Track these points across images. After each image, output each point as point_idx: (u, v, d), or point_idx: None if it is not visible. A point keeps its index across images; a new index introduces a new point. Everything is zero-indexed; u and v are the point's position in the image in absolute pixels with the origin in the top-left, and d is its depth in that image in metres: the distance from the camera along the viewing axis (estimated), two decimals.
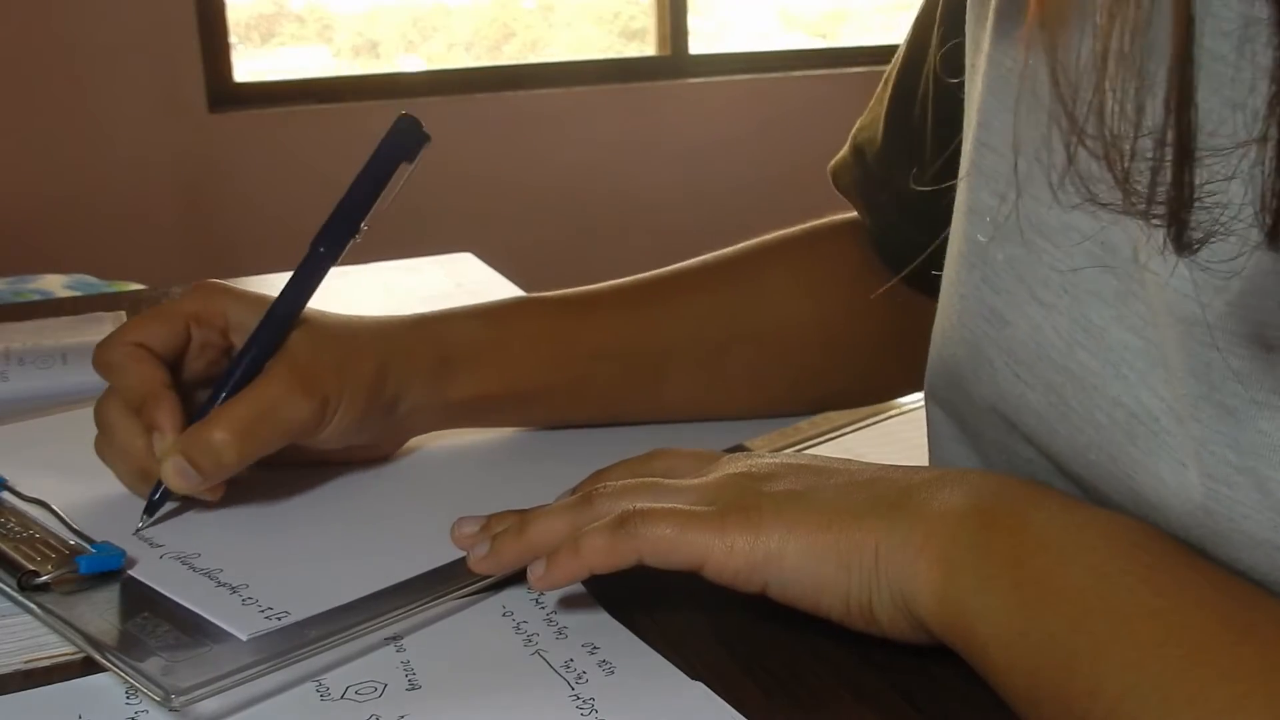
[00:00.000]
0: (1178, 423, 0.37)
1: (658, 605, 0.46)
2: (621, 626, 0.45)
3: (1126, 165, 0.32)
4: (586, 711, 0.40)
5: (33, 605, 0.45)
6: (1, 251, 2.45)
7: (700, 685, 0.41)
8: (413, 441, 0.62)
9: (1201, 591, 0.35)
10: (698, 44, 3.25)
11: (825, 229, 0.67)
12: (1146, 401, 0.38)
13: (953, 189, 0.50)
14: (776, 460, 0.46)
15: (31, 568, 0.47)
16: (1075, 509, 0.39)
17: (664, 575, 0.43)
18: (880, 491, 0.42)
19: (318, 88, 2.98)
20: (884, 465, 0.45)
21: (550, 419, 0.63)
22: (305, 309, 0.55)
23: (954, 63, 0.53)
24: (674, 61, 3.21)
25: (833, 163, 0.66)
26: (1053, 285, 0.42)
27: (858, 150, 0.64)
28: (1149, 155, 0.32)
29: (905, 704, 0.40)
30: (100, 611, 0.45)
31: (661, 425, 0.64)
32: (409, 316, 0.58)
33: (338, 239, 0.54)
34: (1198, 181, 0.32)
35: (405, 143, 0.54)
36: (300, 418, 0.52)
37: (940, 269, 0.53)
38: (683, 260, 0.66)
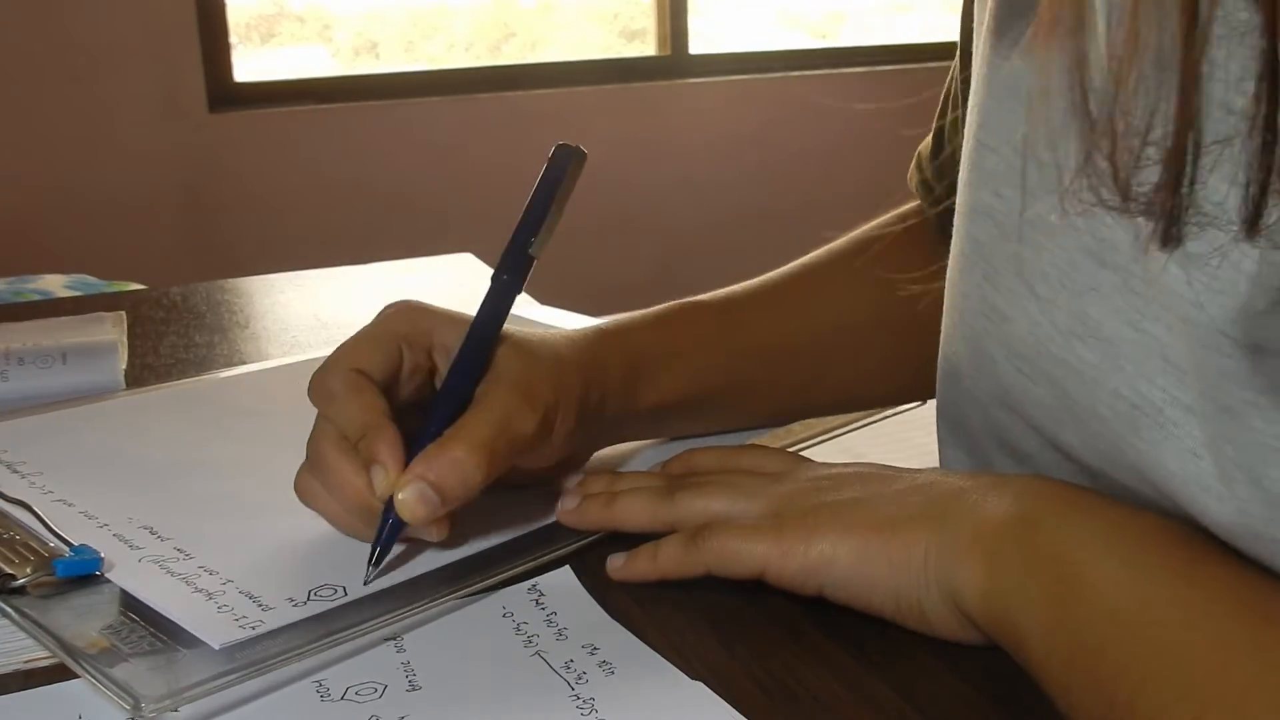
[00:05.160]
0: (1186, 414, 0.38)
1: (658, 605, 0.46)
2: (621, 627, 0.45)
3: (1131, 163, 0.34)
4: (586, 711, 0.40)
5: (9, 609, 0.45)
6: (1, 251, 2.45)
7: (700, 685, 0.41)
8: None
9: (1229, 583, 0.37)
10: (698, 44, 3.25)
11: (899, 219, 0.66)
12: (1146, 393, 0.40)
13: None
14: (849, 470, 0.50)
15: (9, 571, 0.46)
16: (1113, 509, 0.41)
17: None
18: (933, 496, 0.45)
19: (318, 88, 2.98)
20: (942, 471, 0.48)
21: (714, 423, 0.62)
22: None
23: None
24: (674, 61, 3.21)
25: (909, 173, 0.66)
26: (1051, 281, 0.43)
27: (919, 156, 0.65)
28: (1149, 155, 0.34)
29: (905, 704, 0.41)
30: (77, 615, 0.44)
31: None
32: (589, 329, 0.57)
33: (517, 265, 0.53)
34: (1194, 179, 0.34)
35: (563, 167, 0.55)
36: (530, 431, 0.50)
37: None
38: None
